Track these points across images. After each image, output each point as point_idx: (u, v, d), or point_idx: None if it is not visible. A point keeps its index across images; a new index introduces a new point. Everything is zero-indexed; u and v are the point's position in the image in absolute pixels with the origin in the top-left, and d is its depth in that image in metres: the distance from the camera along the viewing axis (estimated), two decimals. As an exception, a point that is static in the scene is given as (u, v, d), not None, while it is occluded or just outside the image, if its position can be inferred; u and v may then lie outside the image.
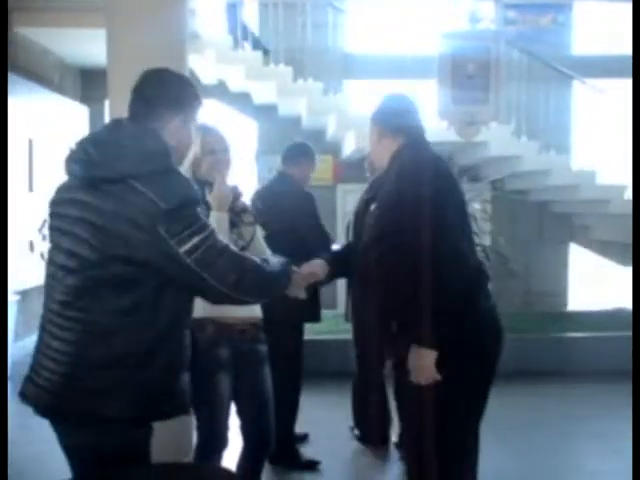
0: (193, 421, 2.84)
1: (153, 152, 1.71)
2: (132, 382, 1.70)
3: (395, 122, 2.40)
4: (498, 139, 6.76)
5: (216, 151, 2.52)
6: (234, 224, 2.48)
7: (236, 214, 2.49)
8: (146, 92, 1.82)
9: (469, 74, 6.46)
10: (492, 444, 4.04)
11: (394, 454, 3.80)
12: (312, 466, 3.69)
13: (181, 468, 1.89)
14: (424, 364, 2.11)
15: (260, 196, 3.62)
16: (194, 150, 2.49)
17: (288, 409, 3.66)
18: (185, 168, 2.50)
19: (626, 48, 4.40)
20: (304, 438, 4.02)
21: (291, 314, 3.59)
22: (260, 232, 2.58)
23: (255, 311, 2.59)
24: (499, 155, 6.98)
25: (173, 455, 3.02)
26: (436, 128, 6.58)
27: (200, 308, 2.51)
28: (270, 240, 2.68)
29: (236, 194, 2.48)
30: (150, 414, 1.77)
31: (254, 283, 1.83)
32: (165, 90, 1.83)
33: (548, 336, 5.88)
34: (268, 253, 2.59)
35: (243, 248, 2.52)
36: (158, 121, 1.80)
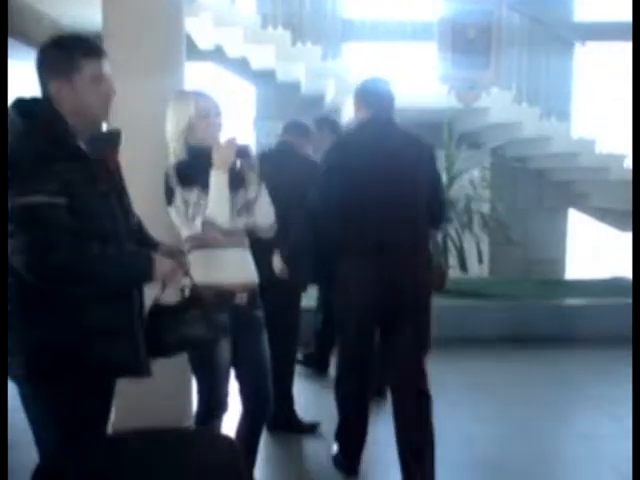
0: (193, 386, 2.87)
1: (15, 120, 1.76)
2: (25, 342, 1.74)
3: (366, 98, 3.03)
4: (498, 105, 6.71)
5: (210, 115, 2.54)
6: (240, 183, 2.51)
7: (241, 172, 2.52)
8: (37, 64, 1.84)
9: (469, 38, 6.39)
10: (489, 408, 4.10)
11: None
12: (312, 429, 3.71)
13: (181, 433, 1.90)
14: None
15: (267, 160, 3.54)
16: (189, 115, 2.51)
17: (287, 375, 3.68)
18: (174, 134, 2.52)
19: (629, 13, 4.34)
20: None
21: (291, 279, 3.60)
22: (266, 193, 2.60)
23: (252, 276, 2.60)
24: (499, 121, 6.93)
25: (173, 421, 3.05)
26: (436, 93, 6.53)
27: (198, 274, 2.52)
28: (280, 205, 2.71)
29: (246, 152, 2.49)
30: (52, 374, 1.76)
31: (65, 271, 1.72)
32: (45, 58, 1.82)
33: (546, 303, 5.91)
34: (272, 213, 2.61)
35: (248, 207, 2.55)
36: (50, 89, 1.81)
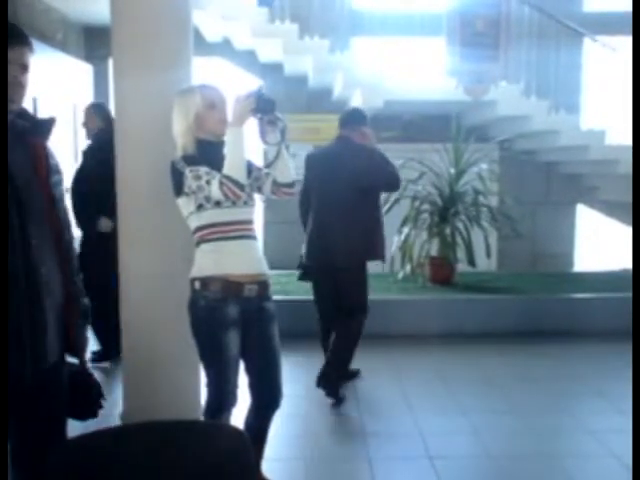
0: (202, 379, 2.88)
1: None
2: None
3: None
4: (507, 98, 6.67)
5: (217, 105, 2.56)
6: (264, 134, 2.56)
7: (265, 122, 2.53)
8: None
9: (478, 31, 6.36)
10: (496, 402, 4.10)
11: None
12: (355, 375, 4.35)
13: (190, 426, 1.91)
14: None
15: (314, 157, 4.15)
16: (196, 106, 2.51)
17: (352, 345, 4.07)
18: (183, 128, 2.54)
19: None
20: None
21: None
22: (289, 155, 2.61)
23: (261, 268, 2.60)
24: (508, 115, 6.90)
25: (183, 414, 3.06)
26: (444, 87, 6.51)
27: (207, 266, 2.53)
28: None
29: (269, 107, 2.48)
30: None
31: None
32: None
33: (554, 297, 5.89)
34: (292, 171, 2.61)
35: (268, 166, 2.61)
36: None
